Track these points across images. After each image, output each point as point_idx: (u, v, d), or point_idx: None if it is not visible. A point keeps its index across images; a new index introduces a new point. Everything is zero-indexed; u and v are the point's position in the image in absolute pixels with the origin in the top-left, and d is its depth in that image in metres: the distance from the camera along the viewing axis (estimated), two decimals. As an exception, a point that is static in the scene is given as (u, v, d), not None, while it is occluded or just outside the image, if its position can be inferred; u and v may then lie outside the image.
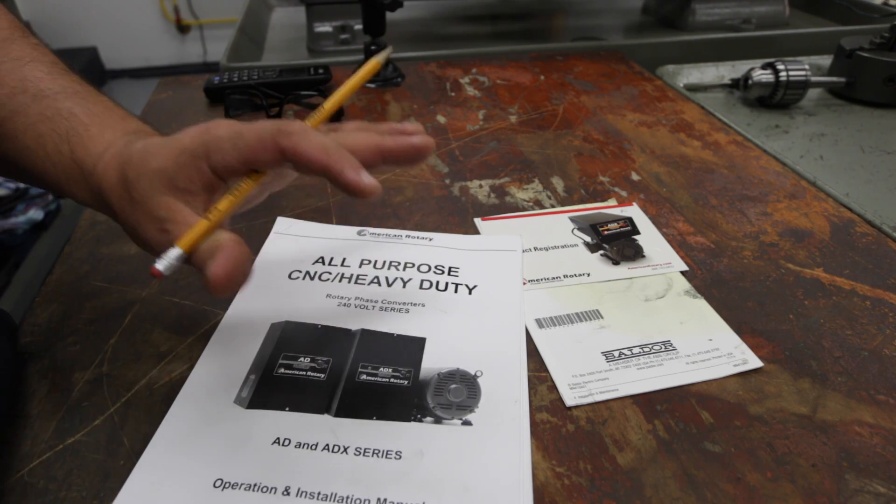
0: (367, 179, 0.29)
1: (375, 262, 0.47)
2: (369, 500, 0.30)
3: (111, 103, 0.36)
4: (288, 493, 0.30)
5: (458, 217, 0.53)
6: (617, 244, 0.49)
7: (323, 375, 0.37)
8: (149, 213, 0.31)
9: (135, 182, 0.31)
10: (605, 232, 0.50)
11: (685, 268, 0.46)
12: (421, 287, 0.44)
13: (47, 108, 0.33)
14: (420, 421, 0.34)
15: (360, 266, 0.46)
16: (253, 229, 0.51)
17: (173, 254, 0.29)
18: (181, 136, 0.31)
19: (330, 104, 0.35)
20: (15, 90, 0.34)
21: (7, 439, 0.33)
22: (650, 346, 0.39)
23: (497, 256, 0.47)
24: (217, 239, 0.30)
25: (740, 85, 0.77)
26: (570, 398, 0.36)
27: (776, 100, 0.75)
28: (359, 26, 1.03)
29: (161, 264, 0.29)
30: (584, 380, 0.37)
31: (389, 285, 0.44)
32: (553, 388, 0.36)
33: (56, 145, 0.33)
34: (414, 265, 0.46)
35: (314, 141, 0.29)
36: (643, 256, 0.48)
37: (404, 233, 0.50)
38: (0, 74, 0.34)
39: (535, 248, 0.49)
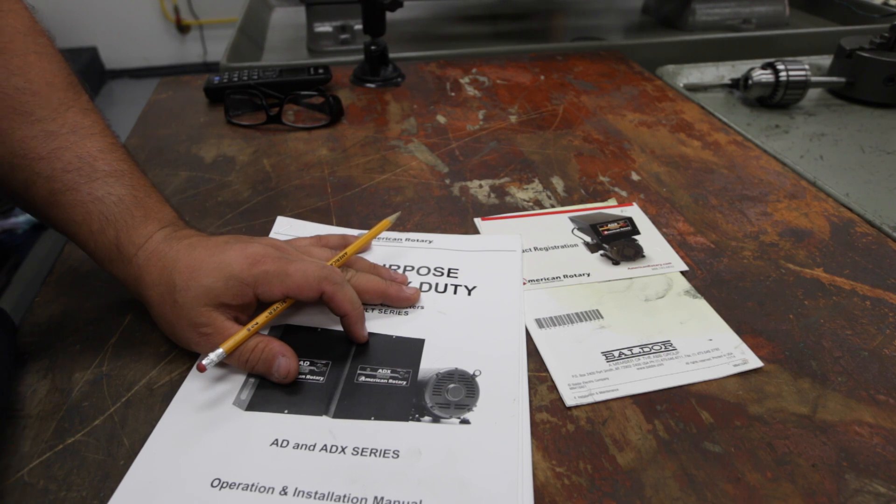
0: (364, 333, 0.39)
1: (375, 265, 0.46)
2: (366, 500, 0.30)
3: (151, 185, 0.41)
4: (285, 493, 0.30)
5: (458, 217, 0.53)
6: (617, 244, 0.49)
7: (322, 378, 0.37)
8: (190, 318, 0.36)
9: (182, 291, 0.36)
10: (605, 232, 0.50)
11: (685, 268, 0.46)
12: (420, 289, 0.44)
13: (98, 188, 0.37)
14: (418, 420, 0.34)
15: (359, 266, 0.46)
16: (253, 229, 0.51)
17: (218, 353, 0.35)
18: (228, 258, 0.36)
19: (351, 250, 0.43)
20: (70, 166, 0.37)
21: (7, 439, 0.33)
22: (650, 346, 0.39)
23: (497, 257, 0.47)
24: (261, 343, 0.37)
25: (740, 85, 0.77)
26: (570, 398, 0.36)
27: (776, 100, 0.75)
28: (359, 26, 1.03)
29: (206, 361, 0.34)
30: (584, 380, 0.37)
31: (389, 285, 0.44)
32: (553, 388, 0.36)
33: (102, 227, 0.37)
34: (413, 268, 0.46)
35: (347, 295, 0.37)
36: (643, 256, 0.48)
37: (404, 235, 0.50)
38: (58, 149, 0.37)
39: (535, 248, 0.49)
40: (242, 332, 0.36)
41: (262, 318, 0.37)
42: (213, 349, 0.35)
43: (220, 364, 0.37)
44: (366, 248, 0.47)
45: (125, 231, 0.37)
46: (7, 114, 0.36)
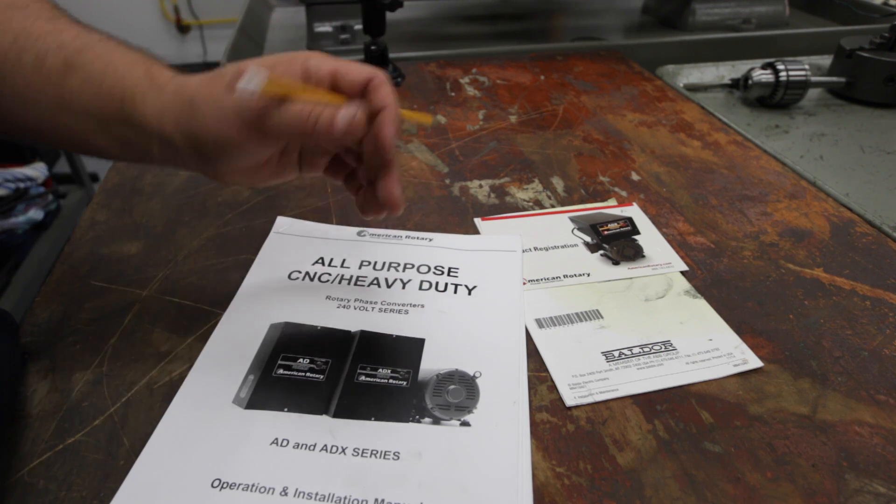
0: (394, 137, 0.33)
1: (375, 263, 0.46)
2: (367, 501, 0.30)
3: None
4: (286, 494, 0.30)
5: (458, 217, 0.53)
6: (617, 244, 0.49)
7: (322, 376, 0.37)
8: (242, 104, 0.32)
9: (231, 75, 0.32)
10: (605, 232, 0.50)
11: (685, 268, 0.46)
12: (420, 288, 0.44)
13: (110, 44, 0.36)
14: (418, 422, 0.34)
15: (359, 268, 0.46)
16: (253, 229, 0.51)
17: (263, 74, 0.30)
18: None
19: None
20: (77, 35, 0.36)
21: (7, 439, 0.33)
22: (650, 346, 0.39)
23: (497, 256, 0.47)
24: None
25: (740, 85, 0.77)
26: (570, 398, 0.36)
27: (776, 100, 0.75)
28: (359, 26, 1.03)
29: (245, 80, 0.30)
30: (584, 380, 0.37)
31: (389, 287, 0.44)
32: (553, 388, 0.36)
33: (129, 67, 0.35)
34: (413, 266, 0.46)
35: (391, 90, 0.34)
36: (643, 256, 0.48)
37: (404, 233, 0.50)
38: (61, 26, 0.36)
39: (535, 248, 0.49)
40: (295, 83, 0.33)
41: (309, 89, 0.33)
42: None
43: (218, 358, 0.37)
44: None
45: (154, 65, 0.35)
46: (3, 9, 0.36)
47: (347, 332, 0.40)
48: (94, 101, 0.35)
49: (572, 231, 0.51)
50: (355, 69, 0.34)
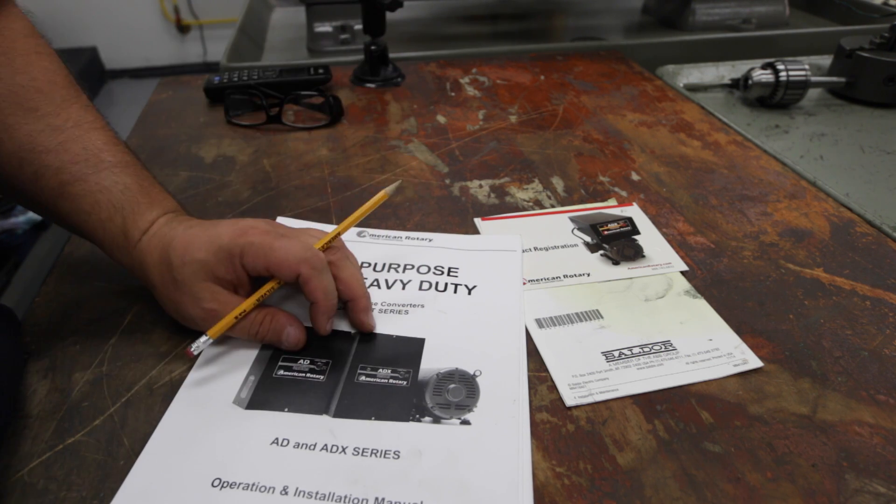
0: (328, 326, 0.38)
1: (375, 264, 0.46)
2: (367, 500, 0.30)
3: (153, 177, 0.42)
4: (286, 493, 0.30)
5: (458, 217, 0.53)
6: (617, 244, 0.49)
7: (322, 377, 0.37)
8: (192, 294, 0.36)
9: (179, 268, 0.36)
10: (605, 232, 0.50)
11: (685, 268, 0.46)
12: (420, 288, 0.44)
13: (105, 178, 0.38)
14: (419, 421, 0.34)
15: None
16: (253, 229, 0.51)
17: (204, 339, 0.36)
18: (220, 231, 0.37)
19: (339, 229, 0.41)
20: (78, 157, 0.38)
21: (7, 439, 0.33)
22: (650, 346, 0.39)
23: (497, 256, 0.47)
24: (266, 315, 0.38)
25: (740, 85, 0.77)
26: (570, 398, 0.36)
27: (776, 100, 0.75)
28: (359, 26, 1.03)
29: (194, 347, 0.35)
30: (584, 380, 0.37)
31: (389, 287, 0.44)
32: (553, 387, 0.36)
33: (110, 214, 0.38)
34: (413, 266, 0.46)
35: (322, 283, 0.37)
36: (643, 256, 0.48)
37: (404, 234, 0.50)
38: (65, 142, 0.38)
39: (535, 248, 0.49)
40: (229, 320, 0.36)
41: (248, 303, 0.37)
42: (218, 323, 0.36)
43: (219, 358, 0.38)
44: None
45: (131, 217, 0.38)
46: (14, 110, 0.37)
47: (347, 333, 0.40)
48: (81, 230, 0.39)
49: (572, 231, 0.51)
50: (283, 266, 0.36)
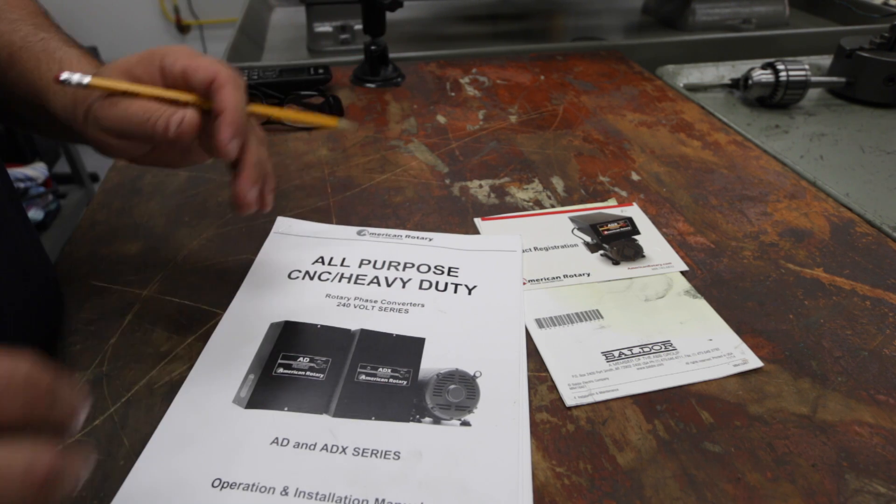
0: (231, 145, 0.34)
1: (375, 262, 0.47)
2: (367, 501, 0.30)
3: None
4: (286, 493, 0.30)
5: (458, 217, 0.53)
6: (617, 244, 0.49)
7: (322, 375, 0.37)
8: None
9: (101, 71, 0.36)
10: (605, 232, 0.50)
11: (685, 268, 0.46)
12: (420, 287, 0.44)
13: (50, 46, 0.40)
14: (419, 421, 0.34)
15: (359, 266, 0.46)
16: (253, 229, 0.51)
17: (78, 76, 0.34)
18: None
19: (278, 112, 0.39)
20: (28, 35, 0.40)
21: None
22: (650, 346, 0.39)
23: (497, 256, 0.47)
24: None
25: (740, 85, 0.77)
26: (570, 398, 0.36)
27: (776, 100, 0.75)
28: (359, 26, 1.03)
29: (64, 75, 0.34)
30: (584, 380, 0.37)
31: (389, 285, 0.44)
32: (553, 388, 0.36)
33: (48, 65, 0.39)
34: (414, 265, 0.46)
35: (237, 96, 0.34)
36: (643, 256, 0.48)
37: (404, 233, 0.50)
38: (17, 28, 0.41)
39: (535, 248, 0.49)
40: (119, 83, 0.34)
41: (152, 89, 0.35)
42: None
43: (218, 357, 0.37)
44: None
45: (69, 65, 0.38)
46: None
47: (347, 331, 0.40)
48: (26, 93, 0.39)
49: (572, 231, 0.51)
50: (201, 68, 0.34)
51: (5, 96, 0.41)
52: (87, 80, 0.34)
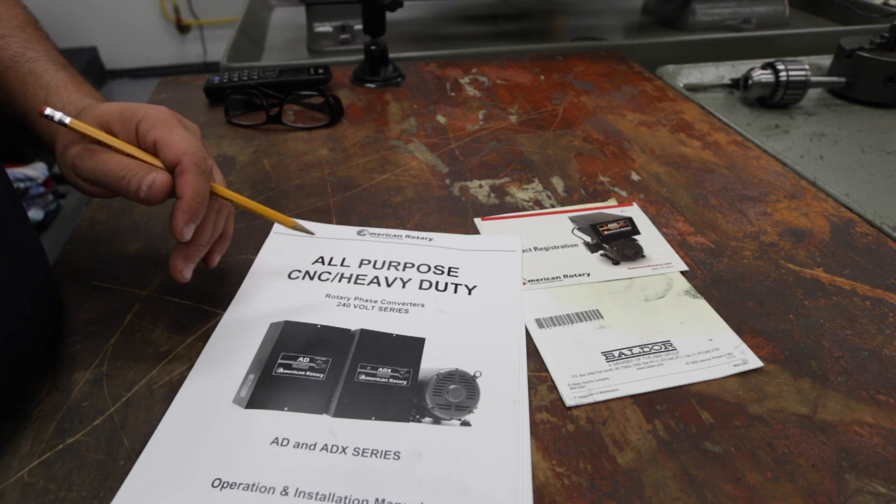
0: (185, 231, 0.35)
1: (375, 262, 0.47)
2: (367, 501, 0.30)
3: (92, 88, 0.43)
4: (286, 493, 0.30)
5: (458, 217, 0.53)
6: (617, 244, 0.49)
7: (322, 375, 0.37)
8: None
9: (80, 115, 0.37)
10: (605, 232, 0.50)
11: (685, 268, 0.46)
12: (420, 287, 0.44)
13: (38, 68, 0.41)
14: (419, 421, 0.34)
15: (359, 266, 0.46)
16: (253, 229, 0.51)
17: (60, 115, 0.35)
18: (135, 103, 0.38)
19: (235, 196, 0.40)
20: (15, 54, 0.41)
21: (7, 439, 0.33)
22: (650, 346, 0.39)
23: (497, 256, 0.47)
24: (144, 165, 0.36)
25: (740, 85, 0.77)
26: (570, 398, 0.36)
27: (776, 100, 0.75)
28: (359, 26, 1.03)
29: (48, 110, 0.35)
30: (584, 380, 0.37)
31: (389, 285, 0.44)
32: (553, 388, 0.36)
33: (34, 91, 0.40)
34: (413, 265, 0.46)
35: (198, 184, 0.35)
36: (643, 256, 0.48)
37: (404, 233, 0.50)
38: (6, 45, 0.42)
39: (535, 248, 0.49)
40: (96, 131, 0.36)
41: (126, 145, 0.36)
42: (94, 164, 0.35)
43: (218, 357, 0.37)
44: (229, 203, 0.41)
45: (55, 92, 0.40)
46: None
47: (347, 331, 0.40)
48: (13, 114, 0.41)
49: (572, 231, 0.51)
50: (171, 147, 0.35)
51: None
52: (67, 120, 0.35)
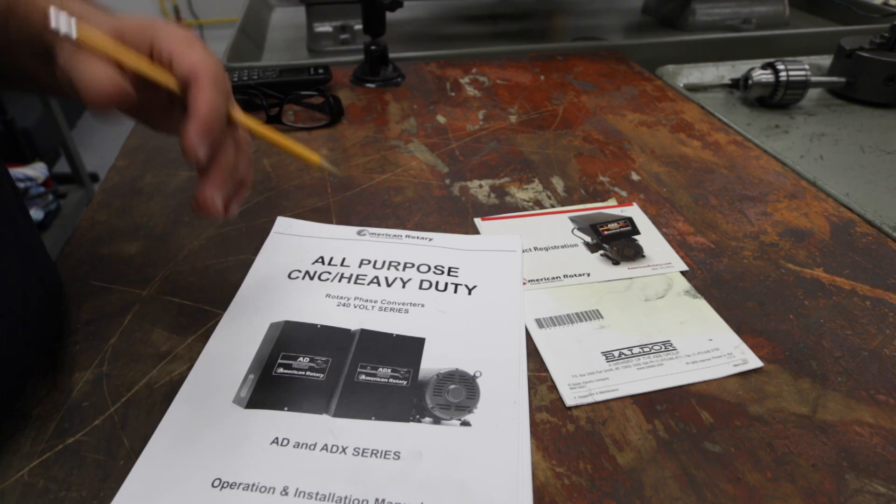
0: (200, 149, 0.31)
1: (375, 262, 0.47)
2: (367, 501, 0.30)
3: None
4: (286, 493, 0.30)
5: (458, 217, 0.53)
6: (617, 244, 0.49)
7: (322, 375, 0.37)
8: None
9: (90, 17, 0.32)
10: (605, 232, 0.50)
11: (685, 268, 0.46)
12: (420, 287, 0.44)
13: None
14: (419, 421, 0.34)
15: (359, 266, 0.46)
16: (253, 229, 0.51)
17: (69, 21, 0.30)
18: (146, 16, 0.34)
19: (258, 128, 0.37)
20: None
21: (7, 439, 0.33)
22: (650, 346, 0.39)
23: (497, 256, 0.47)
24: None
25: (740, 85, 0.77)
26: (570, 398, 0.36)
27: (776, 100, 0.75)
28: (359, 26, 1.03)
29: (53, 18, 0.30)
30: (584, 380, 0.37)
31: (389, 285, 0.44)
32: (553, 388, 0.36)
33: (46, 4, 0.34)
34: (413, 265, 0.46)
35: (214, 98, 0.32)
36: (643, 256, 0.48)
37: (404, 233, 0.50)
38: None
39: (535, 248, 0.49)
40: (109, 42, 0.31)
41: (133, 58, 0.32)
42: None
43: (218, 357, 0.37)
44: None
45: (61, 4, 0.34)
46: None
47: (347, 331, 0.40)
48: (28, 43, 0.35)
49: (572, 231, 0.51)
50: (184, 59, 0.32)
51: (8, 51, 0.37)
52: (74, 32, 0.30)
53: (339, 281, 0.44)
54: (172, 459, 0.32)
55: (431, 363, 0.38)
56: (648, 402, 0.35)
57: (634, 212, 0.53)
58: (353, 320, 0.41)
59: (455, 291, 0.44)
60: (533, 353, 0.39)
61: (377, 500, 0.30)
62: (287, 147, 0.37)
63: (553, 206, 0.54)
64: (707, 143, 0.65)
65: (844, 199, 0.55)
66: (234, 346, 0.39)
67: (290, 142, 0.37)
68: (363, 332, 0.40)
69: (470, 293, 0.44)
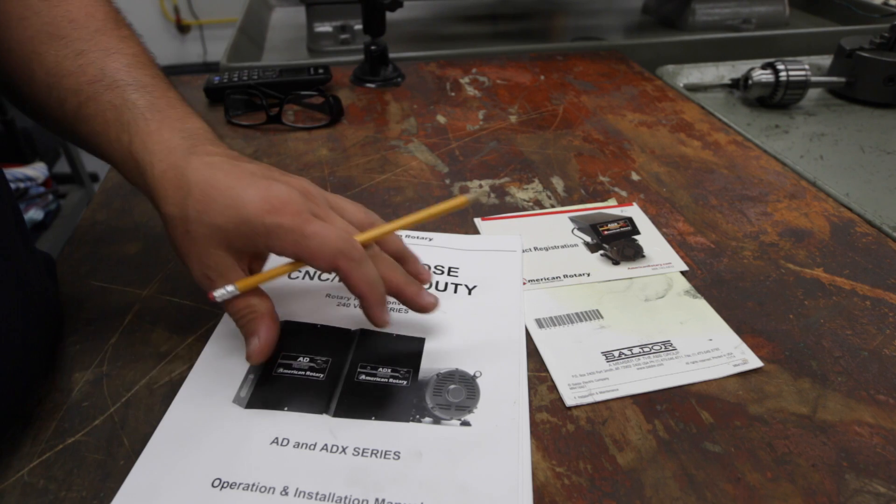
0: (384, 317, 0.36)
1: (375, 262, 0.46)
2: (367, 501, 0.30)
3: (177, 99, 0.40)
4: (286, 493, 0.30)
5: (458, 217, 0.53)
6: (617, 244, 0.49)
7: (322, 375, 0.37)
8: (199, 255, 0.34)
9: (195, 223, 0.33)
10: (605, 232, 0.50)
11: (685, 268, 0.46)
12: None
13: (117, 97, 0.36)
14: (419, 421, 0.34)
15: (359, 266, 0.46)
16: (253, 229, 0.51)
17: (230, 289, 0.34)
18: (245, 197, 0.33)
19: (388, 228, 0.37)
20: (94, 78, 0.37)
21: (7, 439, 0.33)
22: (650, 346, 0.39)
23: (497, 256, 0.47)
24: (257, 309, 0.35)
25: (740, 85, 0.77)
26: (570, 398, 0.36)
27: (776, 100, 0.75)
28: (359, 26, 1.03)
29: (218, 293, 0.34)
30: (584, 380, 0.37)
31: (389, 285, 0.44)
32: (553, 388, 0.36)
33: (118, 134, 0.36)
34: (414, 265, 0.46)
35: (365, 276, 0.34)
36: (643, 256, 0.48)
37: (404, 233, 0.50)
38: (84, 64, 0.37)
39: (535, 248, 0.49)
40: (254, 279, 0.35)
41: (272, 273, 0.35)
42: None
43: (218, 357, 0.37)
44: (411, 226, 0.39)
45: (138, 136, 0.35)
46: (44, 39, 0.37)
47: (347, 331, 0.40)
48: (101, 153, 0.37)
49: (572, 231, 0.51)
50: (318, 258, 0.33)
51: (70, 137, 0.39)
52: (234, 291, 0.34)
53: (339, 280, 0.44)
54: (172, 459, 0.32)
55: (431, 363, 0.38)
56: (648, 402, 0.35)
57: (634, 212, 0.53)
58: (353, 320, 0.41)
59: (455, 291, 0.44)
60: (533, 353, 0.39)
61: (377, 500, 0.30)
62: (435, 215, 0.39)
63: (553, 206, 0.54)
64: (707, 143, 0.65)
65: (844, 199, 0.55)
66: (234, 346, 0.39)
67: (434, 209, 0.39)
68: (363, 331, 0.40)
69: (470, 293, 0.44)
